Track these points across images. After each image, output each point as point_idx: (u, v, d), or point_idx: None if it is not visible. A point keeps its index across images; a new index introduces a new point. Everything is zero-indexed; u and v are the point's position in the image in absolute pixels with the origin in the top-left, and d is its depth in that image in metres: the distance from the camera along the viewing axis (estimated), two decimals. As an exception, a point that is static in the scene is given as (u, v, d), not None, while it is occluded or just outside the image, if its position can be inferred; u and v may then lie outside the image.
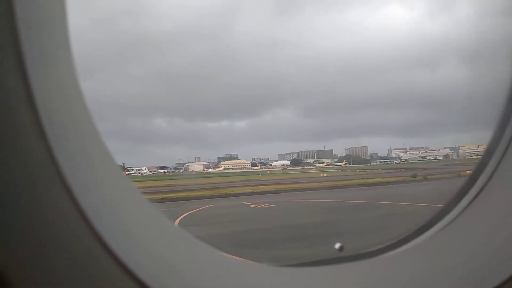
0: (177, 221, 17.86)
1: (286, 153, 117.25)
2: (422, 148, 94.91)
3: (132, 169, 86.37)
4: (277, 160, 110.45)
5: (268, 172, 75.12)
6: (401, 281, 1.54)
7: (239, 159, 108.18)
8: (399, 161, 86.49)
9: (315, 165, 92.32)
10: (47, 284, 0.78)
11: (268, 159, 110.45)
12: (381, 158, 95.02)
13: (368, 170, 64.86)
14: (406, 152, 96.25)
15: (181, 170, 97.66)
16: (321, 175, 57.56)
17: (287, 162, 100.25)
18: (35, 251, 0.78)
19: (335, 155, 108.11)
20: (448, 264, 1.57)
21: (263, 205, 22.70)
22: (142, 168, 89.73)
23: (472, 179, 1.82)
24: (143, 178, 72.23)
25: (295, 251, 9.86)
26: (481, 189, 1.76)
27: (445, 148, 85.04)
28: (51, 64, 0.93)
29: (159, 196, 31.98)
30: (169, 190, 37.13)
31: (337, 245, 2.35)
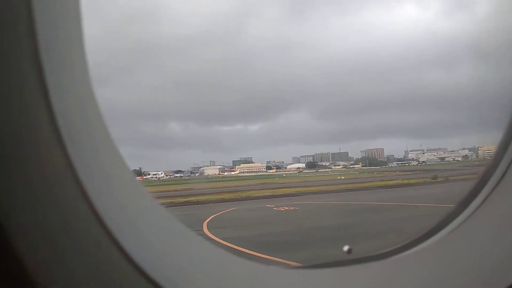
0: (204, 224, 18.18)
1: (301, 156, 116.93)
2: (439, 149, 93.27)
3: (149, 174, 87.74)
4: (292, 163, 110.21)
5: (284, 175, 75.12)
6: (410, 284, 1.56)
7: (254, 163, 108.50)
8: (417, 162, 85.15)
9: (331, 168, 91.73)
10: (65, 285, 0.81)
11: (283, 162, 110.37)
12: (398, 160, 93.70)
13: (386, 172, 64.09)
14: (423, 153, 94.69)
15: (197, 174, 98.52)
16: (339, 177, 57.21)
17: (303, 165, 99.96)
18: (54, 252, 0.81)
19: (350, 157, 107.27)
20: (457, 267, 1.57)
21: (286, 208, 22.83)
22: (158, 172, 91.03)
23: (482, 181, 1.81)
24: (160, 182, 73.22)
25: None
26: (491, 191, 1.75)
27: (463, 149, 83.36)
28: (68, 73, 0.97)
29: (181, 199, 32.48)
30: (189, 194, 37.58)
31: (346, 248, 2.32)
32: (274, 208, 23.37)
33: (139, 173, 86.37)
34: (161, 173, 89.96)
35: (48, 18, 0.86)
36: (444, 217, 1.81)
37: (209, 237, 14.84)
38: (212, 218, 20.31)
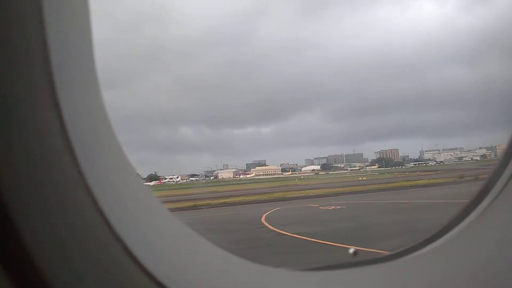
0: (264, 222, 18.63)
1: (315, 158, 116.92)
2: (456, 149, 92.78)
3: (165, 178, 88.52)
4: (305, 165, 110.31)
5: (302, 177, 75.30)
6: (418, 285, 1.57)
7: (268, 165, 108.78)
8: (434, 162, 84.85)
9: (347, 169, 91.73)
10: (74, 285, 0.84)
11: (296, 164, 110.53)
12: (414, 160, 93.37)
13: (407, 173, 64.09)
14: (439, 153, 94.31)
15: (211, 178, 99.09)
16: (360, 178, 57.32)
17: (317, 167, 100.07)
18: (63, 254, 0.83)
19: (365, 158, 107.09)
20: (464, 269, 1.58)
21: (333, 207, 23.22)
22: (174, 176, 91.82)
23: (491, 182, 1.80)
24: (179, 186, 73.58)
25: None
26: (500, 192, 1.75)
27: (480, 148, 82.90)
28: (77, 80, 0.99)
29: (215, 201, 33.00)
30: (218, 196, 38.04)
31: (351, 250, 2.36)
32: (320, 208, 23.72)
33: (155, 177, 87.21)
34: (178, 177, 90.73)
35: (58, 25, 0.88)
36: (451, 219, 1.79)
37: (281, 233, 15.29)
38: (267, 217, 20.75)
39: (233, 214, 24.02)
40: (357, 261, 1.69)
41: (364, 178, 56.97)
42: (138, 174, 1.28)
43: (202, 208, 29.80)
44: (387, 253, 1.77)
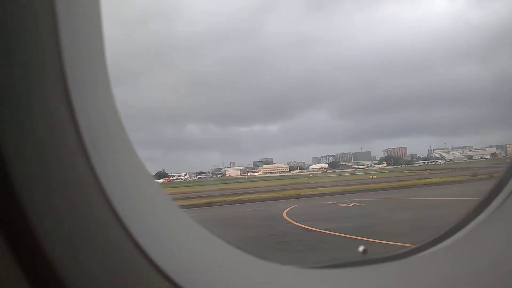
0: (286, 218, 18.84)
1: (322, 156, 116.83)
2: (464, 147, 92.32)
3: (173, 175, 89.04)
4: (312, 164, 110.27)
5: (311, 175, 75.39)
6: (427, 284, 1.58)
7: (275, 163, 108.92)
8: (444, 161, 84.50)
9: (355, 167, 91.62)
10: (88, 281, 0.85)
11: (303, 162, 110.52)
12: (423, 158, 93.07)
13: (417, 171, 63.97)
14: (448, 152, 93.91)
15: (219, 175, 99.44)
16: (371, 176, 57.33)
17: (325, 165, 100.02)
18: (77, 251, 0.85)
19: (373, 157, 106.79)
20: (470, 270, 1.59)
21: (352, 204, 23.39)
22: (181, 174, 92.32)
23: (502, 181, 1.80)
24: (188, 183, 74.00)
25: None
26: (507, 197, 1.75)
27: (490, 146, 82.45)
28: (89, 79, 0.99)
29: (230, 198, 33.27)
30: (231, 193, 38.26)
31: (361, 248, 2.32)
32: (339, 205, 23.87)
33: (164, 175, 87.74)
34: (186, 175, 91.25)
35: (71, 24, 0.89)
36: (458, 220, 1.80)
37: (309, 229, 15.48)
38: (288, 213, 20.96)
39: (252, 211, 24.25)
40: (366, 259, 1.71)
41: (375, 176, 56.95)
42: (149, 172, 1.31)
43: (219, 205, 30.09)
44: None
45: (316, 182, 52.29)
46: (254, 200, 31.77)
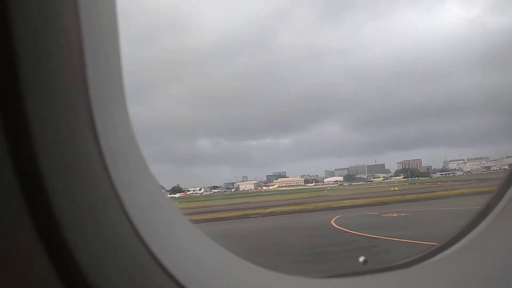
0: (333, 224, 18.85)
1: (336, 169, 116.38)
2: (481, 158, 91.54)
3: (189, 190, 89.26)
4: (325, 177, 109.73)
5: (329, 188, 75.03)
6: None
7: (288, 177, 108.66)
8: (462, 172, 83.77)
9: (371, 180, 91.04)
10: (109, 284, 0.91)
11: (317, 175, 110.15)
12: (440, 170, 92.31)
13: (439, 182, 63.44)
14: (464, 163, 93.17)
15: (232, 189, 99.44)
16: (392, 189, 56.96)
17: (340, 178, 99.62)
18: (100, 261, 0.91)
19: (387, 169, 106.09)
20: (477, 276, 1.59)
21: (396, 214, 23.32)
22: (196, 188, 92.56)
23: (502, 191, 1.80)
24: (205, 197, 73.85)
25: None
26: (510, 201, 1.75)
27: (507, 157, 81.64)
28: (109, 102, 1.04)
29: (264, 211, 33.27)
30: (260, 206, 38.25)
31: (361, 259, 2.34)
32: (383, 215, 23.81)
33: (179, 189, 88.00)
34: (201, 189, 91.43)
35: (94, 47, 0.93)
36: (464, 226, 1.81)
37: (373, 237, 15.49)
38: (336, 223, 20.97)
39: (299, 222, 24.17)
40: (368, 269, 1.72)
41: (397, 188, 56.54)
42: (162, 188, 1.39)
43: (257, 217, 30.13)
44: None
45: (338, 195, 52.02)
46: (289, 212, 31.68)
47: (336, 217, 24.82)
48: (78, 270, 0.85)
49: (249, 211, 33.39)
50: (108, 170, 0.95)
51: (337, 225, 20.70)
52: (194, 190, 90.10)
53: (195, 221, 27.30)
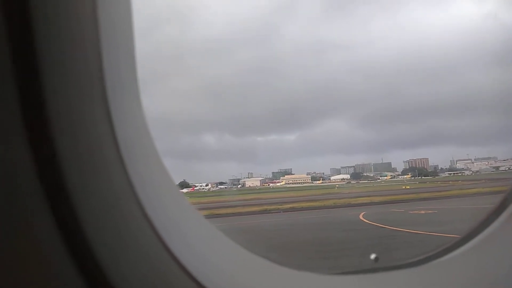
0: (364, 220, 18.87)
1: (342, 167, 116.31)
2: (489, 158, 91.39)
3: (196, 185, 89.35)
4: (331, 175, 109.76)
5: (337, 186, 75.05)
6: None
7: (294, 174, 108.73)
8: (470, 172, 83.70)
9: (378, 178, 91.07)
10: (129, 280, 0.91)
11: (323, 173, 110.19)
12: (448, 169, 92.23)
13: (450, 182, 63.43)
14: (472, 163, 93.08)
15: (238, 186, 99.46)
16: (403, 187, 57.00)
17: (347, 176, 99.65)
18: (119, 255, 0.92)
19: (393, 168, 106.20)
20: (487, 276, 1.59)
21: (424, 211, 23.35)
22: (203, 184, 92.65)
23: None
24: (213, 193, 73.96)
25: None
26: None
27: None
28: (125, 96, 1.04)
29: (283, 206, 33.32)
30: (276, 202, 38.28)
31: (373, 256, 2.32)
32: (410, 212, 23.89)
33: (186, 185, 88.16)
34: (208, 185, 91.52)
35: (111, 46, 0.94)
36: (476, 225, 1.81)
37: (416, 232, 15.47)
38: (366, 218, 21.01)
39: (322, 217, 24.25)
40: (379, 267, 1.72)
41: (408, 187, 56.55)
42: (173, 180, 1.44)
43: (278, 212, 30.20)
44: None
45: (350, 192, 52.13)
46: (309, 208, 31.74)
47: (362, 213, 24.85)
48: (95, 263, 0.85)
49: (267, 207, 33.46)
50: (123, 161, 0.95)
51: (369, 220, 20.73)
52: (201, 186, 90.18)
53: (214, 216, 27.43)
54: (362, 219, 21.66)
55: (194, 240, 1.31)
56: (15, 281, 0.78)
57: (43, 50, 0.77)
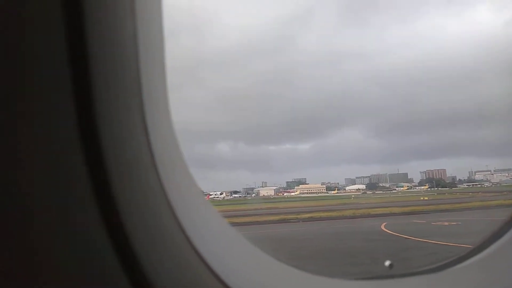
0: (387, 231, 18.80)
1: (357, 177, 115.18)
2: (509, 170, 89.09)
3: (211, 194, 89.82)
4: (345, 185, 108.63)
5: (353, 196, 74.37)
6: None
7: (308, 184, 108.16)
8: (490, 184, 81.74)
9: (395, 189, 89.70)
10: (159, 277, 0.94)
11: (338, 183, 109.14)
12: (467, 181, 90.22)
13: (470, 193, 62.14)
14: (492, 174, 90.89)
15: (252, 195, 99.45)
16: (422, 198, 56.13)
17: (363, 186, 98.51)
18: (155, 251, 0.96)
19: (410, 178, 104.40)
20: (503, 284, 1.59)
21: (447, 223, 23.10)
22: (217, 192, 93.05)
23: None
24: (228, 202, 74.14)
25: None
26: None
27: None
28: (157, 105, 1.08)
29: (301, 216, 33.39)
30: (293, 212, 38.27)
31: (387, 263, 2.38)
32: (433, 223, 23.66)
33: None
34: (222, 194, 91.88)
35: (148, 59, 0.98)
36: (492, 234, 1.81)
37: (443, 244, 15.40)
38: (389, 229, 20.95)
39: (345, 227, 24.24)
40: (395, 273, 1.73)
41: (426, 198, 55.66)
42: (200, 188, 1.58)
43: (297, 221, 30.29)
44: None
45: (367, 203, 51.63)
46: (328, 218, 31.67)
47: (384, 223, 24.73)
48: (135, 259, 0.91)
49: (285, 216, 33.59)
50: (157, 168, 1.01)
51: (392, 231, 20.68)
52: (215, 194, 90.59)
53: (234, 224, 27.51)
54: (385, 229, 21.61)
55: (219, 244, 1.37)
56: (63, 278, 0.84)
57: (93, 64, 0.82)
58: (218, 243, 1.37)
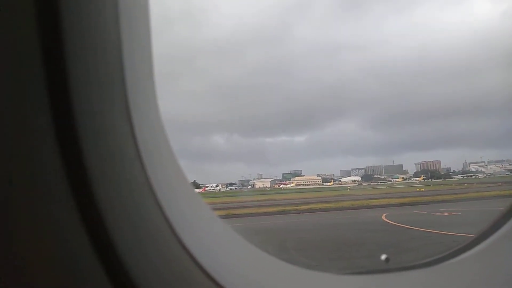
0: (391, 222, 18.81)
1: (352, 169, 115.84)
2: (503, 161, 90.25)
3: (207, 186, 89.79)
4: (341, 176, 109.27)
5: (349, 188, 74.75)
6: None
7: (304, 175, 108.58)
8: (484, 175, 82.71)
9: (390, 181, 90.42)
10: (145, 275, 0.93)
11: (333, 175, 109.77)
12: (461, 172, 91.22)
13: (465, 185, 62.77)
14: (485, 165, 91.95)
15: (248, 187, 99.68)
16: (418, 189, 56.51)
17: (358, 178, 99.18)
18: (136, 251, 0.93)
19: (405, 170, 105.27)
20: (498, 278, 1.59)
21: (447, 213, 23.16)
22: (213, 184, 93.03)
23: None
24: (225, 194, 74.29)
25: None
26: None
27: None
28: (143, 97, 1.05)
29: (300, 207, 33.39)
30: (291, 203, 38.31)
31: (383, 257, 2.33)
32: (433, 214, 23.73)
33: (198, 185, 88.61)
34: (218, 186, 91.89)
35: (132, 55, 0.96)
36: (489, 226, 1.80)
37: (448, 234, 15.41)
38: (391, 220, 20.97)
39: (347, 218, 24.22)
40: (391, 267, 1.72)
41: (422, 189, 56.05)
42: (189, 181, 1.47)
43: (298, 213, 30.22)
44: None
45: (364, 194, 51.83)
46: (327, 210, 31.65)
47: (384, 214, 24.78)
48: (117, 258, 0.88)
49: (283, 208, 33.54)
50: (142, 160, 0.98)
51: (394, 221, 20.68)
52: (211, 186, 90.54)
53: (232, 216, 27.58)
54: (387, 220, 21.60)
55: (208, 238, 1.34)
56: (42, 277, 0.81)
57: (70, 52, 0.80)
58: (208, 238, 1.33)
